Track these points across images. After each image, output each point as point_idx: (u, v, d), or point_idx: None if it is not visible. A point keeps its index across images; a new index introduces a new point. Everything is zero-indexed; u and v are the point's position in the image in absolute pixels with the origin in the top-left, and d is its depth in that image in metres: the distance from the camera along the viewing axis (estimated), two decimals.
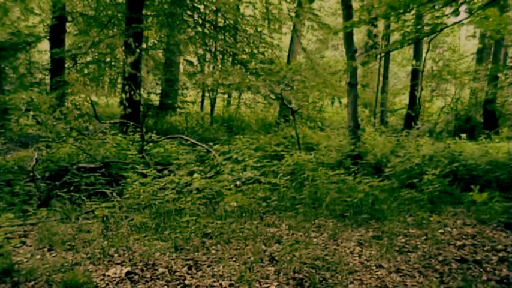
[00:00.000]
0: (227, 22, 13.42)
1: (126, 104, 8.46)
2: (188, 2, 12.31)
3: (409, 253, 3.92)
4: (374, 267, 3.60)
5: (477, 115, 13.74)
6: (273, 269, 3.52)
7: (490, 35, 10.97)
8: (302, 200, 5.42)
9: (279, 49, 14.50)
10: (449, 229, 4.65)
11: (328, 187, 5.69)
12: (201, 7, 12.90)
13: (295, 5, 14.66)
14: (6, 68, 13.02)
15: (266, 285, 3.24)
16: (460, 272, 3.52)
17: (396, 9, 5.92)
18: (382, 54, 14.18)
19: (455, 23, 6.82)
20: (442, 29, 6.75)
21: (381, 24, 17.21)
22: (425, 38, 8.84)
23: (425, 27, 7.15)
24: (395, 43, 8.03)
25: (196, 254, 3.84)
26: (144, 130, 7.75)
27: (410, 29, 7.07)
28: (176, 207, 4.91)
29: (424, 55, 14.34)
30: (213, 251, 3.91)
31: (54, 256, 3.81)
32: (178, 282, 3.28)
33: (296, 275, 3.39)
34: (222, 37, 13.01)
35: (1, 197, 5.48)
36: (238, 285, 3.21)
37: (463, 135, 9.21)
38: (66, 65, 12.70)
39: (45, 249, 4.00)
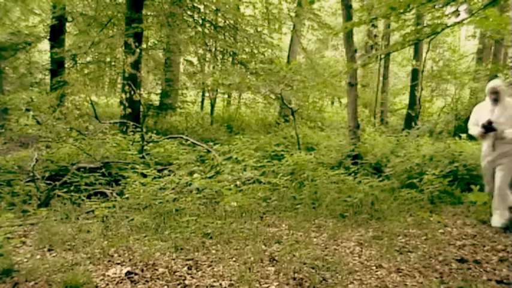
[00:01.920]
0: (227, 22, 13.39)
1: (126, 104, 8.43)
2: (188, 2, 12.30)
3: (409, 253, 3.92)
4: (374, 267, 3.60)
5: None
6: (273, 269, 3.52)
7: (490, 35, 10.96)
8: (302, 200, 5.42)
9: (279, 49, 14.46)
10: (449, 229, 4.66)
11: (328, 187, 5.69)
12: (201, 7, 12.88)
13: (295, 5, 14.65)
14: (6, 68, 13.00)
15: (266, 285, 3.24)
16: (460, 272, 3.52)
17: (396, 9, 5.91)
18: (383, 56, 14.18)
19: (456, 23, 6.79)
20: (442, 30, 6.74)
21: (381, 24, 17.21)
22: (426, 38, 8.83)
23: (426, 29, 7.14)
24: (396, 44, 8.02)
25: (196, 254, 3.84)
26: (144, 130, 7.74)
27: (410, 30, 7.06)
28: (176, 207, 4.91)
29: (424, 55, 14.33)
30: (213, 251, 3.91)
31: (54, 256, 3.81)
32: (178, 282, 3.28)
33: (296, 275, 3.39)
34: (222, 37, 13.00)
35: (1, 197, 5.48)
36: (238, 285, 3.21)
37: (463, 135, 9.20)
38: (66, 65, 12.69)
39: (45, 249, 4.00)
